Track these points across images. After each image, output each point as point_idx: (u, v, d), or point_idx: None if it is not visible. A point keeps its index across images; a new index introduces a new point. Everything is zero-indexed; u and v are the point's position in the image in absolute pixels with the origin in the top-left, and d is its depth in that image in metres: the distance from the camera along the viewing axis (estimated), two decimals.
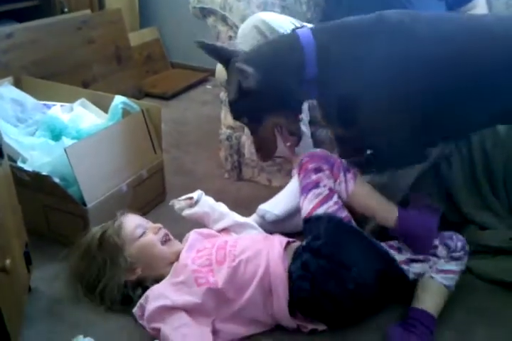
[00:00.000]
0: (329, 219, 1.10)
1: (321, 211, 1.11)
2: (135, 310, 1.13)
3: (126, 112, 1.50)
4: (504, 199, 1.35)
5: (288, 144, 1.21)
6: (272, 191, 1.50)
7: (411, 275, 1.14)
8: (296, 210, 1.39)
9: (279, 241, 1.15)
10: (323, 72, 1.03)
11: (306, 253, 1.09)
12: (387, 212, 1.16)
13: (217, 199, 1.64)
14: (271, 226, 1.37)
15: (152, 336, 1.08)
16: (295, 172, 1.46)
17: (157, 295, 1.09)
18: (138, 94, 2.41)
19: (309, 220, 1.12)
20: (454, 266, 1.15)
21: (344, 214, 1.13)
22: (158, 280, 1.15)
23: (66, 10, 2.29)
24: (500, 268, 1.25)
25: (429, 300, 1.11)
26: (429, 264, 1.15)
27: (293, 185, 1.46)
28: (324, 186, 1.13)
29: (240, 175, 1.79)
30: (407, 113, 1.05)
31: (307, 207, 1.13)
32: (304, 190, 1.15)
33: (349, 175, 1.17)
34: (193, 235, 1.24)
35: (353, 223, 1.15)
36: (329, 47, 1.03)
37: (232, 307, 1.08)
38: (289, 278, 1.07)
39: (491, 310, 1.19)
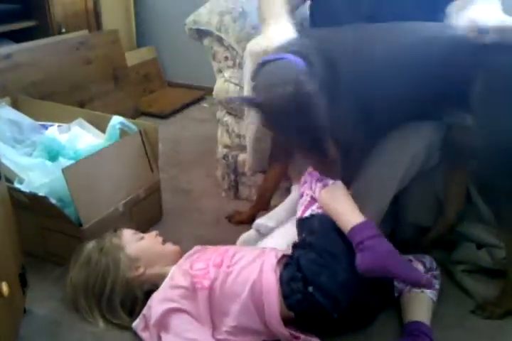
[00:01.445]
0: (321, 216, 1.18)
1: (307, 213, 1.20)
2: (136, 322, 1.14)
3: (123, 132, 1.52)
4: None
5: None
6: (269, 209, 1.51)
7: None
8: None
9: (274, 253, 1.18)
10: None
11: (298, 250, 1.15)
12: (350, 217, 1.14)
13: (214, 218, 1.67)
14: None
15: None
16: (294, 187, 1.50)
17: (162, 300, 1.12)
18: (134, 113, 2.42)
19: (302, 219, 1.21)
20: (436, 284, 1.23)
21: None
22: (158, 284, 1.17)
23: (63, 30, 2.31)
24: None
25: (426, 313, 1.17)
26: None
27: (289, 199, 1.48)
28: (306, 195, 1.23)
29: (236, 194, 1.80)
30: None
31: (298, 213, 1.24)
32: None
33: (318, 184, 1.22)
34: (195, 248, 1.28)
35: None
36: None
37: (227, 315, 1.10)
38: (281, 284, 1.09)
39: (489, 331, 1.19)
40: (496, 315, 1.20)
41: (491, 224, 1.34)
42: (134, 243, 1.25)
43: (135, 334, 1.15)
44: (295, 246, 1.19)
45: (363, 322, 1.19)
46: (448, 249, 1.39)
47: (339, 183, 1.20)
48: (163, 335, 1.08)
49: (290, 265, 1.13)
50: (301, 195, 1.25)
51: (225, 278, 1.12)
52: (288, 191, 1.55)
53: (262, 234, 1.40)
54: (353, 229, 1.10)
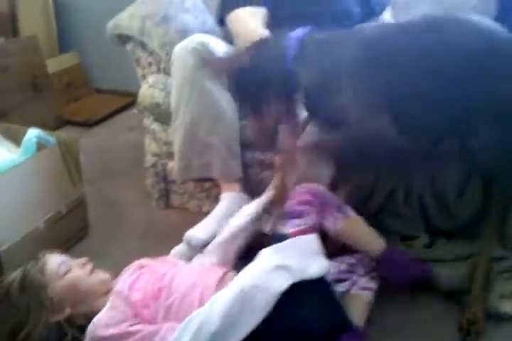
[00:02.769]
0: None
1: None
2: None
3: (41, 145, 1.44)
4: (416, 206, 1.43)
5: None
6: (202, 217, 1.48)
7: (338, 295, 1.18)
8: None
9: (214, 275, 1.15)
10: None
11: None
12: (373, 246, 1.23)
13: (145, 230, 1.62)
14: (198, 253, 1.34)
15: None
16: (223, 196, 1.47)
17: (114, 323, 1.04)
18: (59, 122, 2.32)
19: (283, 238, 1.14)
20: (374, 285, 1.24)
21: None
22: (90, 317, 1.08)
23: None
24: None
25: (361, 315, 1.18)
26: (351, 282, 1.23)
27: (219, 210, 1.46)
28: (305, 222, 1.15)
29: (167, 203, 1.76)
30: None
31: (283, 229, 1.16)
32: (287, 215, 1.17)
33: (339, 215, 1.20)
34: (134, 266, 1.21)
35: None
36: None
37: None
38: None
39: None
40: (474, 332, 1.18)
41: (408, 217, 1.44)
42: (59, 280, 1.12)
43: None
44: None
45: None
46: None
47: (356, 214, 1.24)
48: None
49: None
50: (299, 215, 1.16)
51: (166, 312, 1.07)
52: (217, 199, 1.53)
53: (194, 247, 1.37)
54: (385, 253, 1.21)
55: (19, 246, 1.27)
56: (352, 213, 1.23)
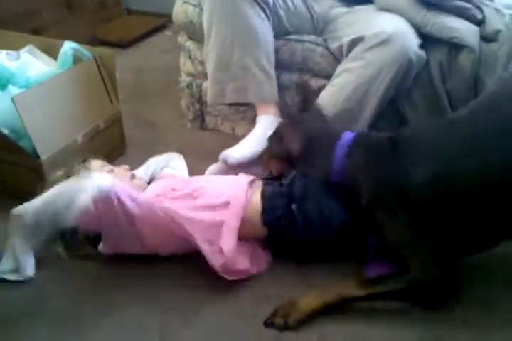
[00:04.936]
0: None
1: None
2: None
3: (77, 59, 1.42)
4: None
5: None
6: (235, 139, 1.47)
7: None
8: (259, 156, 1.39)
9: (246, 177, 1.23)
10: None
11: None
12: None
13: (180, 150, 1.62)
14: (232, 172, 1.35)
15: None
16: (259, 118, 1.45)
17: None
18: (92, 42, 2.28)
19: None
20: None
21: None
22: None
23: None
24: None
25: None
26: None
27: (257, 131, 1.44)
28: None
29: (202, 125, 1.75)
30: None
31: None
32: None
33: None
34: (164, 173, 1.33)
35: None
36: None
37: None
38: (262, 198, 1.12)
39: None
40: None
41: None
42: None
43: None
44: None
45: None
46: None
47: None
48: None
49: (273, 184, 1.16)
50: None
51: (191, 192, 1.14)
52: (253, 121, 1.51)
53: (228, 166, 1.38)
54: None
55: (58, 157, 1.28)
56: None
